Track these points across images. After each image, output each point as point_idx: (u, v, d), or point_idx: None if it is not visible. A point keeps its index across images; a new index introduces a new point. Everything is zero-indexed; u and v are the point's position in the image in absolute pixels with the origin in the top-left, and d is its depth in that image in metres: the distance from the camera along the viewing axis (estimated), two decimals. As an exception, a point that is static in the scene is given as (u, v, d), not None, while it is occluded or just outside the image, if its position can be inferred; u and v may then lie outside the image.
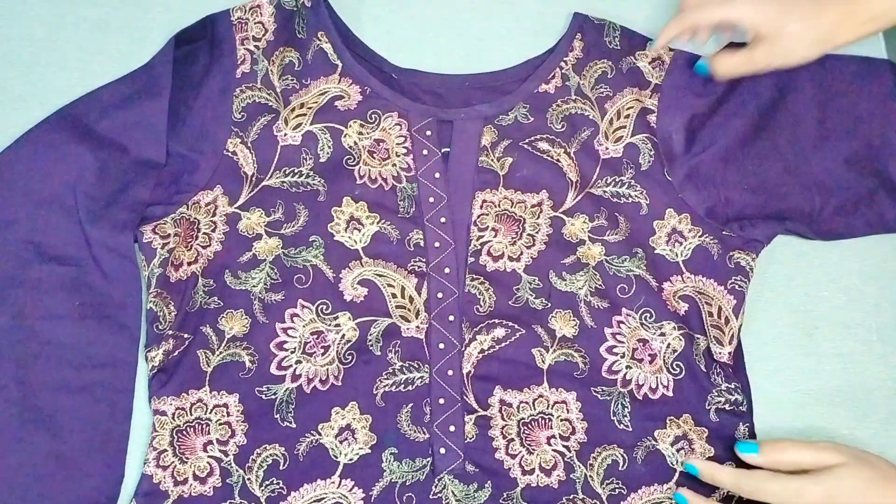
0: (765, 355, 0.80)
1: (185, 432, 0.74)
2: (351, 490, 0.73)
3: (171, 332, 0.76)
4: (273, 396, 0.75)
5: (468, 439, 0.75)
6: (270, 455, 0.73)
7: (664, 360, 0.77)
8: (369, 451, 0.74)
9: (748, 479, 0.70)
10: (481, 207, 0.81)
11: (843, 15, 0.75)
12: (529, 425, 0.75)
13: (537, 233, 0.80)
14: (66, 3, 0.89)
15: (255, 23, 0.84)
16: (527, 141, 0.83)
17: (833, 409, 0.79)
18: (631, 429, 0.75)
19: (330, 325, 0.77)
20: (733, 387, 0.77)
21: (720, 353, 0.77)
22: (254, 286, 0.77)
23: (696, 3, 0.80)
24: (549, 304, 0.78)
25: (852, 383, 0.79)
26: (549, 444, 0.75)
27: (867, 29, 0.75)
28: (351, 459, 0.73)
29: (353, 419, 0.74)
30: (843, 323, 0.81)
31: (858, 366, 0.80)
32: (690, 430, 0.75)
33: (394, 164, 0.82)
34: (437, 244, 0.79)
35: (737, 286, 0.78)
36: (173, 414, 0.74)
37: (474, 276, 0.79)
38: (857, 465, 0.68)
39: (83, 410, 0.73)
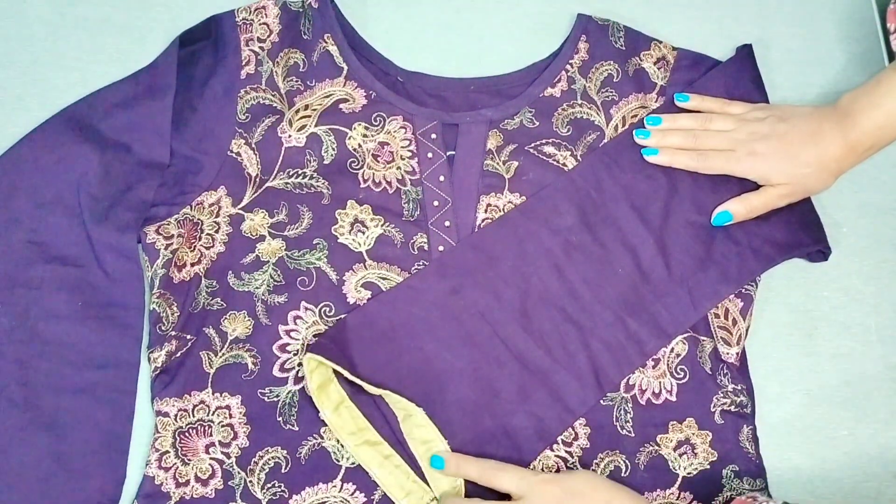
0: (765, 355, 0.80)
1: (187, 434, 0.74)
2: (353, 494, 0.73)
3: (173, 333, 0.75)
4: (275, 399, 0.75)
5: (471, 443, 0.75)
6: (272, 458, 0.73)
7: (668, 365, 0.77)
8: (371, 454, 0.74)
9: (490, 466, 0.71)
10: (486, 211, 0.81)
11: (846, 151, 0.77)
12: (532, 429, 0.75)
13: (541, 237, 0.81)
14: (66, 3, 0.88)
15: (259, 24, 0.84)
16: (532, 145, 0.83)
17: (833, 409, 0.79)
18: (633, 434, 0.75)
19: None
20: (739, 388, 0.77)
21: (728, 354, 0.77)
22: (257, 288, 0.77)
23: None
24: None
25: (852, 383, 0.80)
26: (552, 450, 0.75)
27: (870, 154, 0.78)
28: (353, 463, 0.73)
29: (356, 422, 0.75)
30: (843, 323, 0.82)
31: (858, 366, 0.80)
32: (694, 434, 0.76)
33: (398, 168, 0.82)
34: (441, 248, 0.79)
35: (744, 289, 0.79)
36: (175, 415, 0.74)
37: (478, 280, 0.79)
38: (588, 472, 0.70)
39: (85, 411, 0.73)
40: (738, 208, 0.79)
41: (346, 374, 0.71)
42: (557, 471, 0.74)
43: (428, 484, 0.72)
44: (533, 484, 0.68)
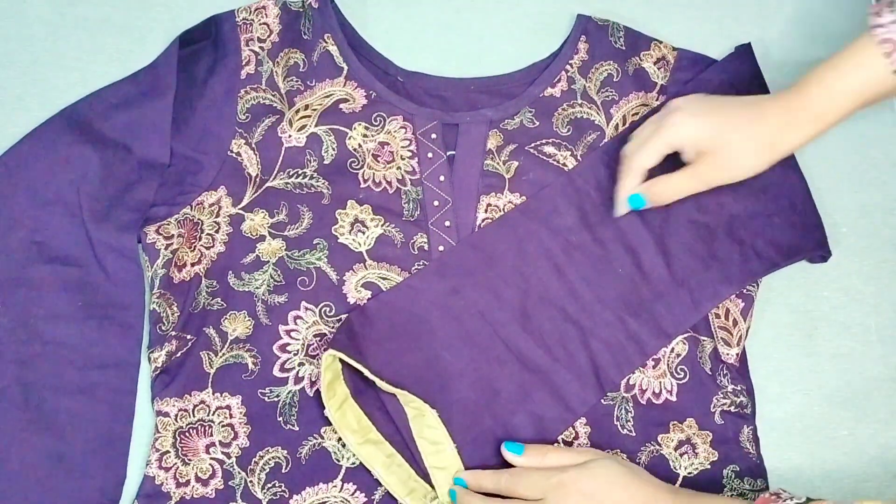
0: (765, 355, 0.80)
1: (187, 434, 0.74)
2: (353, 494, 0.73)
3: (174, 333, 0.75)
4: (276, 399, 0.75)
5: (471, 443, 0.75)
6: (273, 458, 0.73)
7: (668, 365, 0.77)
8: (372, 454, 0.74)
9: (506, 475, 0.70)
10: (486, 211, 0.81)
11: (785, 119, 0.73)
12: (533, 429, 0.75)
13: (541, 237, 0.81)
14: (66, 3, 0.88)
15: (260, 24, 0.84)
16: (533, 145, 0.83)
17: (833, 409, 0.79)
18: (634, 434, 0.75)
19: (333, 327, 0.77)
20: (739, 388, 0.77)
21: (728, 355, 0.77)
22: (257, 288, 0.77)
23: (634, 148, 0.77)
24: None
25: (852, 383, 0.80)
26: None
27: (812, 129, 0.73)
28: (353, 463, 0.73)
29: (356, 422, 0.75)
30: (843, 323, 0.82)
31: (858, 366, 0.80)
32: (694, 433, 0.76)
33: (398, 168, 0.82)
34: (441, 248, 0.79)
35: (745, 290, 0.79)
36: (176, 415, 0.74)
37: (478, 280, 0.79)
38: (608, 462, 0.69)
39: (85, 411, 0.73)
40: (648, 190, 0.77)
41: (366, 371, 0.71)
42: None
43: (430, 483, 0.72)
44: (548, 490, 0.68)
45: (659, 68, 0.86)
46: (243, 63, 0.83)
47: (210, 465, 0.73)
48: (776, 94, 0.75)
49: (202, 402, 0.74)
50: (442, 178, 0.81)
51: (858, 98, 0.71)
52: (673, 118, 0.75)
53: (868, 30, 0.70)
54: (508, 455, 0.71)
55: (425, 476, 0.72)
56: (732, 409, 0.76)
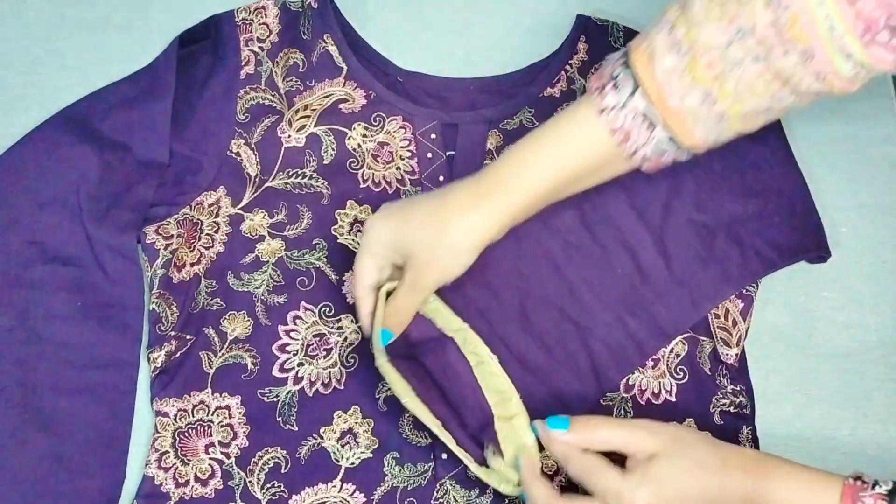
0: (765, 355, 0.80)
1: (186, 434, 0.74)
2: (352, 494, 0.73)
3: (173, 334, 0.75)
4: (275, 399, 0.75)
5: (470, 444, 0.75)
6: (272, 458, 0.73)
7: (667, 365, 0.77)
8: (371, 455, 0.74)
9: (579, 459, 0.65)
10: (485, 211, 0.81)
11: (468, 197, 0.69)
12: (532, 429, 0.75)
13: (540, 237, 0.80)
14: (66, 3, 0.88)
15: (259, 24, 0.84)
16: (532, 145, 0.83)
17: (833, 409, 0.79)
18: (634, 434, 0.75)
19: (332, 327, 0.77)
20: (738, 389, 0.77)
21: (727, 355, 0.77)
22: (256, 288, 0.77)
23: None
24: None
25: (852, 383, 0.79)
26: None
27: (503, 205, 0.68)
28: (353, 463, 0.73)
29: (356, 423, 0.74)
30: (843, 323, 0.81)
31: (858, 366, 0.80)
32: (694, 434, 0.76)
33: (398, 168, 0.82)
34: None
35: (745, 290, 0.78)
36: (175, 415, 0.74)
37: (477, 280, 0.79)
38: (673, 455, 0.64)
39: (84, 411, 0.73)
40: None
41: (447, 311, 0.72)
42: (557, 471, 0.74)
43: (469, 452, 0.70)
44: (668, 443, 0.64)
45: (659, 68, 0.85)
46: (243, 63, 0.83)
47: (209, 465, 0.73)
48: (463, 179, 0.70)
49: (201, 402, 0.74)
50: (441, 178, 0.81)
51: (570, 171, 0.68)
52: (366, 226, 0.71)
53: (588, 104, 0.66)
54: (554, 433, 0.66)
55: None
56: (732, 409, 0.76)
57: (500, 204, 0.68)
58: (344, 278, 0.78)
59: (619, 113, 0.65)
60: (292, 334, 0.76)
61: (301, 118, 0.82)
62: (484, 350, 0.72)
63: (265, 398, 0.75)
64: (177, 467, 0.73)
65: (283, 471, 0.73)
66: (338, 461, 0.73)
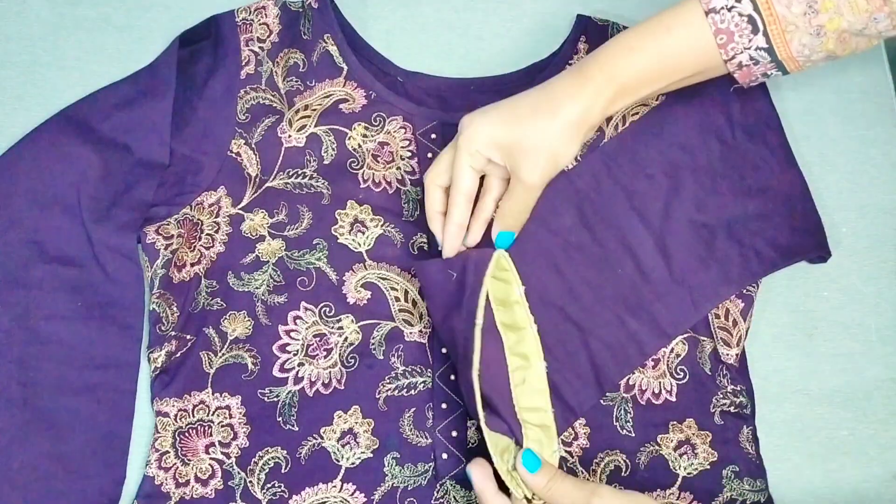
0: (765, 355, 0.80)
1: (187, 434, 0.74)
2: (353, 494, 0.73)
3: (173, 334, 0.76)
4: (275, 399, 0.75)
5: (470, 444, 0.74)
6: (272, 458, 0.73)
7: (668, 365, 0.77)
8: (371, 455, 0.74)
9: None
10: (485, 211, 0.81)
11: (572, 83, 0.71)
12: (532, 429, 0.75)
13: (540, 237, 0.80)
14: (66, 3, 0.88)
15: (259, 24, 0.84)
16: (532, 145, 0.83)
17: (833, 409, 0.79)
18: (634, 434, 0.75)
19: (333, 327, 0.77)
20: (738, 389, 0.77)
21: (727, 355, 0.77)
22: (256, 288, 0.77)
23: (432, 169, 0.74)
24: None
25: (852, 383, 0.80)
26: (552, 449, 0.75)
27: (607, 92, 0.70)
28: (353, 463, 0.73)
29: (356, 423, 0.74)
30: (843, 323, 0.81)
31: (858, 366, 0.80)
32: (694, 434, 0.76)
33: (398, 168, 0.82)
34: (440, 248, 0.79)
35: (745, 290, 0.78)
36: (175, 415, 0.74)
37: (477, 280, 0.79)
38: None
39: (85, 411, 0.73)
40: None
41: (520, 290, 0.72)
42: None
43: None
44: None
45: (659, 68, 0.85)
46: (243, 63, 0.83)
47: (210, 465, 0.73)
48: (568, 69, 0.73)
49: (202, 402, 0.74)
50: (442, 177, 0.81)
51: (669, 63, 0.70)
52: (462, 125, 0.73)
53: (695, 4, 0.69)
54: (521, 469, 0.67)
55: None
56: (732, 409, 0.76)
57: (604, 86, 0.70)
58: (344, 278, 0.78)
59: (725, 14, 0.68)
60: (292, 334, 0.76)
61: (301, 118, 0.82)
62: (536, 354, 0.72)
63: (265, 398, 0.75)
64: (177, 467, 0.73)
65: (283, 471, 0.73)
66: (338, 461, 0.73)
